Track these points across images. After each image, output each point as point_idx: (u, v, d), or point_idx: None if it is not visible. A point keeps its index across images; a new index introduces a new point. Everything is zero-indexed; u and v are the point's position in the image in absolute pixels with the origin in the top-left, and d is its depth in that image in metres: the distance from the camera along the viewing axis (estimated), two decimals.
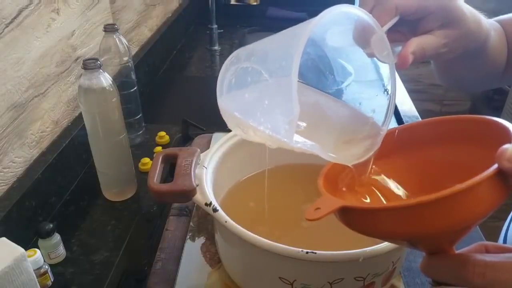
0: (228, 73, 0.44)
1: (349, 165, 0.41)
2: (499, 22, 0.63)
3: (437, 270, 0.33)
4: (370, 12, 0.43)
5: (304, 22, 0.37)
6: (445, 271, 0.33)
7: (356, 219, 0.34)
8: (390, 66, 0.43)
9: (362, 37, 0.43)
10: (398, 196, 0.42)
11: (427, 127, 0.42)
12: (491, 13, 0.64)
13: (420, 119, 0.94)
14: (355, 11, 0.39)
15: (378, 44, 0.42)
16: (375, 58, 0.43)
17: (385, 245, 0.45)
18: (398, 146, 0.43)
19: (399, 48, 0.44)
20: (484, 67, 0.60)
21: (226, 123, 0.47)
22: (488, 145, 0.33)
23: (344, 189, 0.42)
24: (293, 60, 0.34)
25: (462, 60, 0.53)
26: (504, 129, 0.34)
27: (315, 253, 0.44)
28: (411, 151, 0.42)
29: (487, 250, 0.36)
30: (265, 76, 0.39)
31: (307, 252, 0.44)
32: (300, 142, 0.39)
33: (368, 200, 0.41)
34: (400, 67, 0.44)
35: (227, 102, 0.45)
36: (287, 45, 0.38)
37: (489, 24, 0.55)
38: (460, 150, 0.38)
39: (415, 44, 0.45)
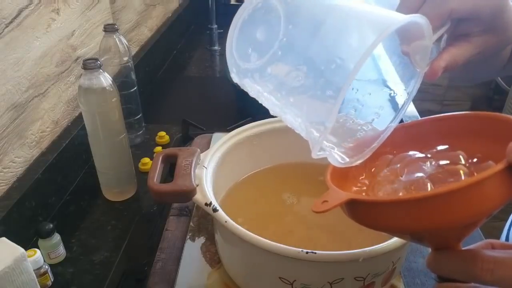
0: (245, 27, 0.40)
1: (351, 165, 0.41)
2: None
3: (444, 265, 0.33)
4: (419, 9, 0.41)
5: (372, 22, 0.34)
6: (452, 266, 0.33)
7: (364, 212, 0.34)
8: (419, 73, 0.41)
9: (406, 35, 0.41)
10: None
11: (436, 123, 0.42)
12: None
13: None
14: (422, 21, 0.37)
15: (418, 49, 0.40)
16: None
17: (385, 245, 0.45)
18: (406, 143, 0.43)
19: (432, 54, 0.42)
20: (496, 62, 0.59)
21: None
22: (497, 142, 0.33)
23: (353, 184, 0.42)
24: (343, 86, 0.32)
25: (482, 59, 0.50)
26: None
27: (315, 253, 0.44)
28: (420, 148, 0.41)
29: (494, 248, 0.36)
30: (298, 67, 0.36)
31: (307, 252, 0.44)
32: (320, 154, 0.38)
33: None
34: (428, 78, 0.42)
35: (241, 71, 0.41)
36: (340, 43, 0.36)
37: None
38: (469, 147, 0.38)
39: (449, 57, 0.43)
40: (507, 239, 0.74)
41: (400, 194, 0.36)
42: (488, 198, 0.29)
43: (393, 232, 0.38)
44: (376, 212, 0.33)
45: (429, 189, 0.34)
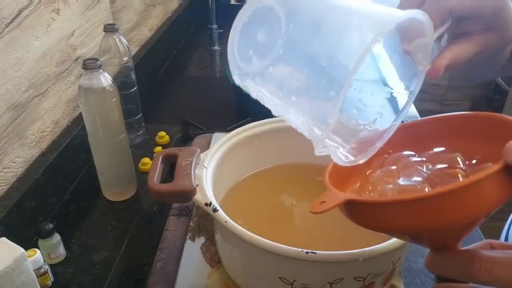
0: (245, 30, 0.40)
1: (355, 164, 0.41)
2: None
3: (443, 265, 0.33)
4: (420, 6, 0.41)
5: (373, 19, 0.35)
6: (451, 266, 0.33)
7: (362, 213, 0.34)
8: (421, 71, 0.42)
9: (407, 33, 0.41)
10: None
11: (435, 123, 0.42)
12: None
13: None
14: (423, 18, 0.37)
15: (419, 47, 0.40)
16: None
17: (385, 245, 0.45)
18: (405, 143, 0.42)
19: (434, 52, 0.42)
20: (497, 61, 0.58)
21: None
22: (497, 142, 0.33)
23: (357, 184, 0.41)
24: (343, 86, 0.33)
25: (483, 58, 0.49)
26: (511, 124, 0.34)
27: (315, 253, 0.44)
28: (418, 148, 0.41)
29: (493, 248, 0.36)
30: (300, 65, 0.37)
31: (307, 252, 0.44)
32: (323, 151, 0.38)
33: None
34: (430, 76, 0.42)
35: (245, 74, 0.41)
36: (341, 41, 0.36)
37: None
38: (468, 147, 0.37)
39: (451, 55, 0.43)
40: (506, 239, 0.74)
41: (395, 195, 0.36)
42: (485, 199, 0.29)
43: (391, 233, 0.38)
44: (374, 212, 0.33)
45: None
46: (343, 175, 0.41)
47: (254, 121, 0.65)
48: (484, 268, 0.30)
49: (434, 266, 0.34)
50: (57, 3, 0.79)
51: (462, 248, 0.34)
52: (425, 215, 0.30)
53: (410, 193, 0.35)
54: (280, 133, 0.64)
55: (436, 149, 0.40)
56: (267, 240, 0.45)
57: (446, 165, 0.36)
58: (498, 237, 0.77)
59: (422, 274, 0.60)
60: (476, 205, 0.29)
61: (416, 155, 0.40)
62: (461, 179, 0.34)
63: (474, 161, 0.36)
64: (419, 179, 0.36)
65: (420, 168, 0.37)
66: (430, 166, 0.37)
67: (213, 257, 0.61)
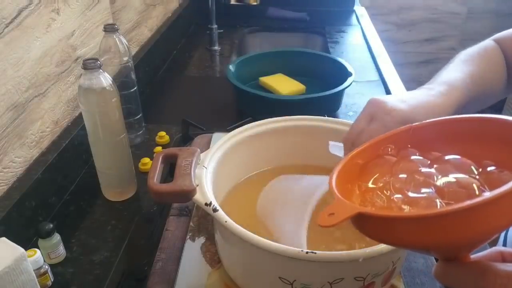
0: None
1: None
2: (496, 40, 0.63)
3: (454, 277, 0.32)
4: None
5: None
6: (463, 279, 0.31)
7: (373, 226, 0.32)
8: None
9: None
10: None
11: (439, 126, 0.40)
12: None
13: None
14: None
15: None
16: None
17: (385, 245, 0.45)
18: (411, 144, 0.41)
19: None
20: (483, 100, 0.61)
21: None
22: (506, 147, 0.32)
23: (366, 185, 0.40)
24: None
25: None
26: None
27: (315, 253, 0.44)
28: (425, 150, 0.39)
29: (504, 258, 0.34)
30: None
31: (307, 252, 0.44)
32: None
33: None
34: None
35: None
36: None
37: (466, 62, 0.59)
38: (476, 151, 0.36)
39: None
40: (504, 240, 0.75)
41: (406, 208, 0.34)
42: (509, 213, 0.28)
43: (402, 246, 0.37)
44: (387, 226, 0.31)
45: (438, 206, 0.32)
46: (347, 180, 0.39)
47: (254, 121, 0.65)
48: (500, 283, 0.29)
49: (444, 277, 0.32)
50: (57, 3, 0.79)
51: (472, 256, 0.33)
52: (442, 231, 0.28)
53: (424, 204, 0.33)
54: (280, 133, 0.64)
55: (444, 154, 0.38)
56: (267, 240, 0.45)
57: (458, 175, 0.34)
58: (496, 239, 0.77)
59: (422, 274, 0.60)
60: (498, 220, 0.28)
61: (428, 163, 0.38)
62: (476, 190, 0.32)
63: (488, 168, 0.34)
64: (430, 190, 0.34)
65: (431, 177, 0.35)
66: (440, 176, 0.35)
67: (213, 257, 0.61)
